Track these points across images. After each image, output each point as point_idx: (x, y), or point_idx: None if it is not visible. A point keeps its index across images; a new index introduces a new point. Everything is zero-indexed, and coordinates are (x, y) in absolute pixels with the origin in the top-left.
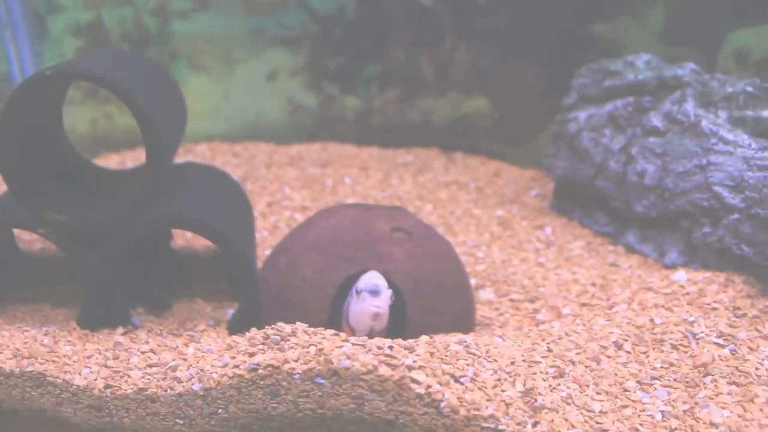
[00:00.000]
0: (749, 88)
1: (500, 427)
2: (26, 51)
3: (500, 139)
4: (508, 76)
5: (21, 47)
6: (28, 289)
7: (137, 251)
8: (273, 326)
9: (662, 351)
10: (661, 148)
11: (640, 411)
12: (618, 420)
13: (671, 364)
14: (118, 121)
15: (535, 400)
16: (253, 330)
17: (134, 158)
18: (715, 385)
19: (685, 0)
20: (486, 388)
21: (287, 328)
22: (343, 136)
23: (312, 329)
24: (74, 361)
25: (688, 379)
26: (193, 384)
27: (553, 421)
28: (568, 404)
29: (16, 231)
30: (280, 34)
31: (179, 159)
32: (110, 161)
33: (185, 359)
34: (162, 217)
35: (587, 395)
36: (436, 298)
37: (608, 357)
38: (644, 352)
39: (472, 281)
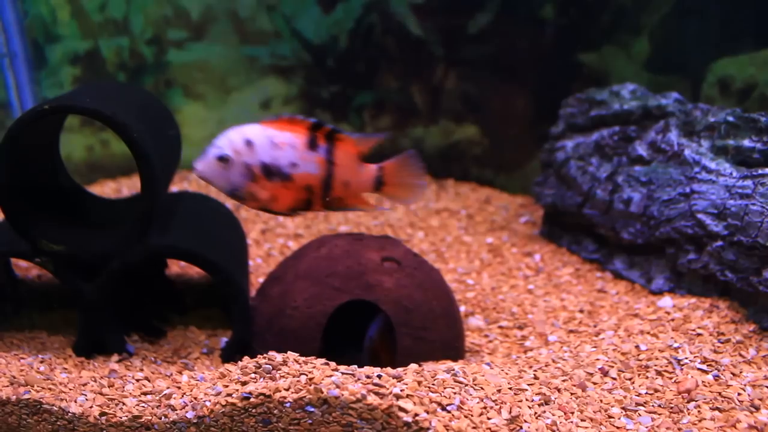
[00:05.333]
0: (730, 118)
1: None
2: (25, 79)
3: (491, 165)
4: (497, 104)
5: (20, 76)
6: (24, 316)
7: (132, 279)
8: (265, 355)
9: (647, 377)
10: (646, 176)
11: None
12: None
13: (656, 390)
14: (114, 147)
15: (521, 428)
16: (246, 359)
17: (130, 185)
18: (699, 411)
19: (669, 30)
20: (472, 415)
21: (278, 357)
22: None
23: (303, 358)
24: (70, 389)
25: (672, 405)
26: (187, 412)
27: None
28: (553, 431)
29: (12, 258)
30: (274, 63)
31: (175, 187)
32: (106, 188)
33: (179, 387)
34: (155, 247)
35: (572, 422)
36: (426, 327)
37: (594, 384)
38: (629, 379)
39: (462, 308)
